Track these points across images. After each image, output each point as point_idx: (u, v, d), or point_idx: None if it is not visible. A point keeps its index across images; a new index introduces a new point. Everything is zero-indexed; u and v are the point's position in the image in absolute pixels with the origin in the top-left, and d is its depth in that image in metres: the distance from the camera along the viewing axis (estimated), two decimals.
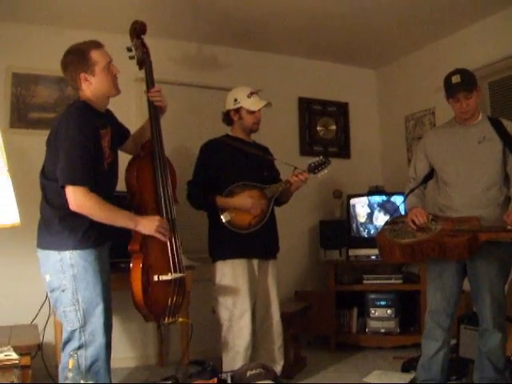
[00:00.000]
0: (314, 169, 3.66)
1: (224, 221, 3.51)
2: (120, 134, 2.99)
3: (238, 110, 3.67)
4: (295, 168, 3.64)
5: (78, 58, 2.71)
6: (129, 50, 3.24)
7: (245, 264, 3.55)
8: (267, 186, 3.61)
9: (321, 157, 3.73)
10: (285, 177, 3.73)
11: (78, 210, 2.58)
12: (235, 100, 3.67)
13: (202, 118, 4.89)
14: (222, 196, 3.54)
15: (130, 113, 4.41)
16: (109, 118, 2.91)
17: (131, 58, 3.25)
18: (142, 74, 4.41)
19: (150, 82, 3.22)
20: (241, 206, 3.52)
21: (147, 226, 2.82)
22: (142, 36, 3.25)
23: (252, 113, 3.65)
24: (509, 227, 2.84)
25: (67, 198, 2.57)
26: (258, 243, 3.58)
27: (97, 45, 2.77)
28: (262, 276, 3.67)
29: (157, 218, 2.88)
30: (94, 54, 2.73)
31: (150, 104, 3.15)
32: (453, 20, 4.65)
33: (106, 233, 2.74)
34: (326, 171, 3.70)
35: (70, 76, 2.76)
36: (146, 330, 4.50)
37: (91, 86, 2.73)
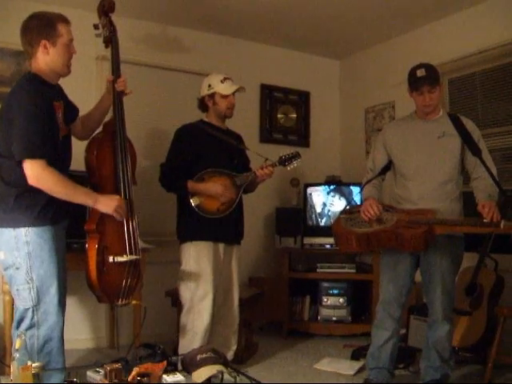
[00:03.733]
0: (284, 161, 3.74)
1: (193, 205, 3.55)
2: (70, 110, 2.90)
3: (212, 96, 3.72)
4: (266, 159, 3.70)
5: (44, 24, 2.64)
6: (96, 27, 3.18)
7: (211, 247, 3.61)
8: (238, 175, 3.67)
9: (293, 150, 3.80)
10: (254, 165, 3.78)
11: (36, 184, 2.52)
12: (209, 86, 3.72)
13: (163, 99, 4.84)
14: (193, 181, 3.57)
15: (90, 92, 4.32)
16: (60, 91, 2.84)
17: (98, 35, 3.19)
18: (102, 52, 4.37)
19: (115, 64, 3.16)
20: (211, 192, 3.57)
21: (106, 204, 2.78)
22: (110, 14, 3.18)
23: (225, 97, 3.70)
24: (485, 220, 2.86)
25: (25, 172, 2.50)
26: (225, 228, 3.64)
27: (65, 19, 2.71)
28: (226, 260, 3.74)
29: (116, 197, 2.85)
30: (61, 27, 2.66)
31: (114, 88, 3.10)
32: (417, 16, 4.71)
33: (63, 211, 2.69)
34: (296, 164, 3.77)
35: (29, 40, 2.66)
36: (98, 312, 4.46)
37: (47, 57, 2.65)
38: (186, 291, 3.60)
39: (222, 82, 3.71)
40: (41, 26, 2.64)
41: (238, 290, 3.83)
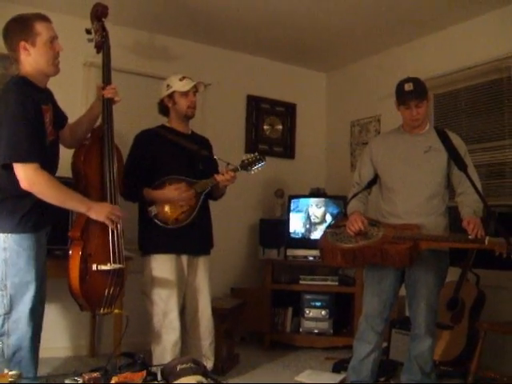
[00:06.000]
0: (246, 165, 3.59)
1: (151, 214, 3.45)
2: (59, 116, 2.87)
3: (171, 96, 3.61)
4: (228, 164, 3.57)
5: (20, 25, 2.61)
6: (88, 32, 3.16)
7: (173, 259, 3.49)
8: (197, 181, 3.53)
9: (256, 153, 3.66)
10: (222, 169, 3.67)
11: (29, 187, 2.49)
12: (167, 86, 3.63)
13: (149, 107, 4.82)
14: (150, 189, 3.47)
15: (76, 98, 4.31)
16: (49, 95, 2.80)
17: (90, 41, 3.17)
18: (90, 58, 4.36)
19: (106, 71, 3.15)
20: (167, 197, 3.44)
21: (99, 211, 2.75)
22: (103, 19, 3.17)
23: (185, 95, 3.60)
24: (470, 236, 2.87)
25: (18, 175, 2.47)
26: (187, 239, 3.50)
27: (43, 17, 2.67)
28: (191, 272, 3.62)
29: (108, 204, 2.83)
30: (38, 25, 2.62)
31: (103, 95, 3.08)
32: (404, 31, 4.77)
33: (46, 218, 2.65)
34: (260, 168, 3.63)
35: (9, 44, 2.64)
36: (78, 320, 4.40)
37: (29, 58, 2.61)
38: (151, 305, 3.48)
39: (180, 80, 3.61)
40: (17, 28, 2.61)
41: (208, 301, 3.68)
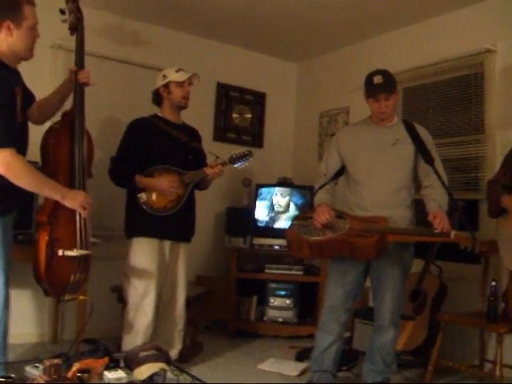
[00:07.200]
0: (235, 160, 3.71)
1: (140, 201, 3.55)
2: (27, 96, 2.81)
3: (166, 86, 3.71)
4: (217, 157, 3.68)
5: (9, 4, 2.55)
6: (62, 12, 3.09)
7: (156, 244, 3.60)
8: (186, 172, 3.64)
9: (245, 150, 3.78)
10: (211, 161, 3.76)
11: (5, 172, 2.44)
12: (163, 76, 3.73)
13: (119, 92, 4.76)
14: (141, 176, 3.55)
15: (43, 81, 4.21)
16: (18, 75, 2.74)
17: (64, 21, 3.11)
18: (59, 40, 4.28)
19: (79, 54, 3.09)
20: (157, 187, 3.55)
21: (73, 199, 2.73)
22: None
23: (180, 85, 3.70)
24: (436, 230, 2.91)
25: None
26: (171, 225, 3.61)
27: (31, 1, 2.62)
28: (172, 258, 3.72)
29: (82, 192, 2.81)
30: (27, 9, 2.58)
31: (76, 79, 3.03)
32: (375, 24, 4.80)
33: (13, 202, 2.61)
34: (247, 164, 3.75)
35: None
36: (42, 306, 4.35)
37: (10, 39, 2.56)
38: (130, 287, 3.59)
39: (176, 71, 3.72)
40: (6, 6, 2.55)
41: (184, 288, 3.79)
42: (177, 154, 3.69)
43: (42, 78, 4.26)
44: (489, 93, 4.16)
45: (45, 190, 2.64)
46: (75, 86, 3.01)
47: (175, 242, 3.71)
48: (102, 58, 4.65)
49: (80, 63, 3.07)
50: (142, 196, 3.54)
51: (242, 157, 3.73)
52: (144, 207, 3.54)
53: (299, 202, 5.11)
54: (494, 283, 3.47)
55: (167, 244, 3.66)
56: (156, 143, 3.64)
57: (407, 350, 3.88)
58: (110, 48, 4.76)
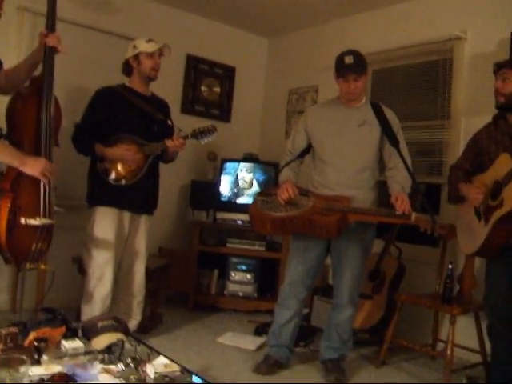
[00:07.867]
0: (197, 135, 3.63)
1: (100, 170, 3.51)
2: None
3: (136, 56, 3.65)
4: (180, 130, 3.65)
5: None
6: None
7: (115, 214, 3.58)
8: (148, 144, 3.59)
9: (209, 124, 3.69)
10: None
11: None
12: (134, 46, 3.66)
13: (87, 59, 4.66)
14: (102, 145, 3.50)
15: (8, 44, 4.10)
16: None
17: None
18: (25, 2, 4.15)
19: (50, 17, 3.01)
20: (115, 156, 3.51)
21: (33, 166, 2.69)
22: None
23: (150, 56, 3.64)
24: (397, 212, 2.94)
25: None
26: (132, 197, 3.60)
27: None
28: (132, 229, 3.70)
29: (43, 159, 2.75)
30: None
31: (45, 43, 2.95)
32: (348, 4, 4.79)
33: None
34: (210, 139, 3.68)
35: None
36: (1, 274, 4.26)
37: None
38: (89, 258, 3.57)
39: (147, 42, 3.66)
40: None
41: (144, 260, 3.80)
42: (142, 125, 3.64)
43: (6, 40, 4.13)
44: (456, 79, 4.20)
45: (3, 157, 2.60)
46: (45, 50, 2.94)
47: (135, 213, 3.69)
48: (73, 24, 4.51)
49: (51, 27, 3.00)
50: (103, 165, 3.51)
51: (205, 132, 3.64)
52: (103, 176, 3.51)
53: (261, 178, 5.13)
54: (450, 266, 3.55)
55: (127, 215, 3.64)
56: (120, 113, 3.59)
57: (364, 329, 3.97)
58: (81, 14, 4.62)
